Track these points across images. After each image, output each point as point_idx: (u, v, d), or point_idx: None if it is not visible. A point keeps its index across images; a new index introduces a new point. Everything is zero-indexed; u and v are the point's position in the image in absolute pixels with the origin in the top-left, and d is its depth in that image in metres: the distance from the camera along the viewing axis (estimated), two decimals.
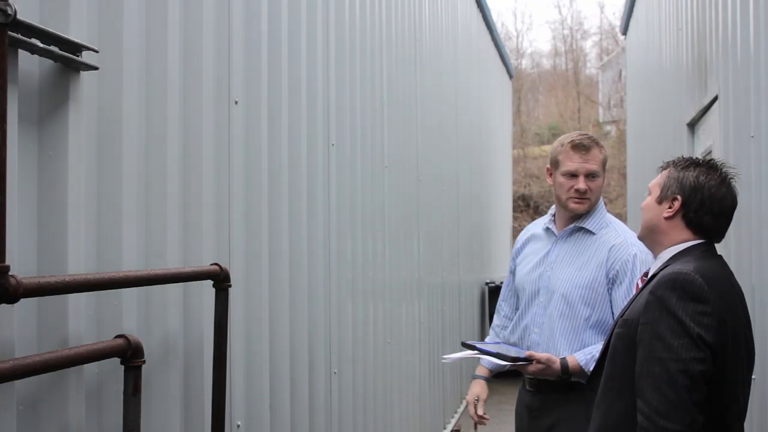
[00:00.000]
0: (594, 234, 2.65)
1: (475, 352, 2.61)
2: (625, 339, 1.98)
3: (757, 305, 3.54)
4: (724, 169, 2.04)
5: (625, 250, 2.58)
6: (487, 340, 2.99)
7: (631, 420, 1.90)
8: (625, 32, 11.83)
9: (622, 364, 1.97)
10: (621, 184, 19.78)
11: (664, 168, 2.13)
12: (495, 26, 10.14)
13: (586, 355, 2.51)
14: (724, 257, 2.10)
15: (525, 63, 30.65)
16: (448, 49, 6.67)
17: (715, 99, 4.52)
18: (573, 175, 2.64)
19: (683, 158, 2.12)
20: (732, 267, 3.57)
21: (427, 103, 5.55)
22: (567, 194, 2.66)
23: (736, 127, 3.93)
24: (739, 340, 1.92)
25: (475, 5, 8.51)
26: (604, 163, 2.69)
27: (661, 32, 7.42)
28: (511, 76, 13.35)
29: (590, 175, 2.64)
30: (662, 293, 1.87)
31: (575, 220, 2.69)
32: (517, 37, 33.51)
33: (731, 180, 2.04)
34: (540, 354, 2.51)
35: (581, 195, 2.63)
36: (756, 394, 3.55)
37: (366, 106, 3.92)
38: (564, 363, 2.50)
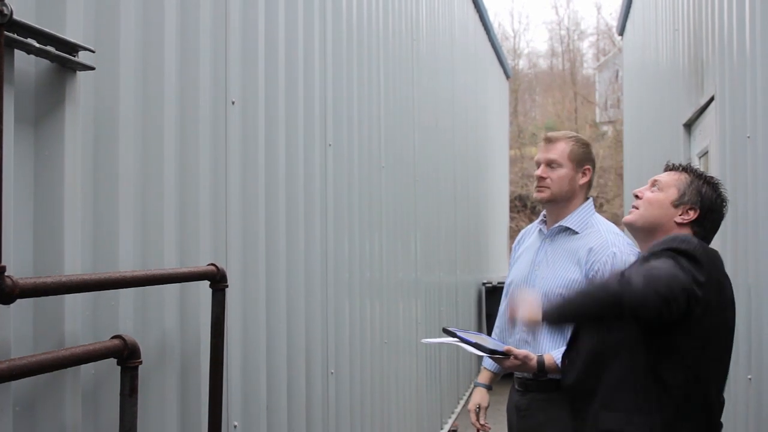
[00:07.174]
0: (577, 233, 2.68)
1: (455, 339, 2.57)
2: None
3: (754, 305, 3.54)
4: (724, 193, 2.21)
5: (604, 252, 2.59)
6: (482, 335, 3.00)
7: (631, 376, 2.02)
8: (621, 33, 11.85)
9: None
10: (618, 184, 19.81)
11: (675, 170, 2.23)
12: (492, 26, 10.16)
13: (561, 353, 2.50)
14: (722, 258, 2.14)
15: (522, 63, 30.70)
16: (445, 49, 6.67)
17: (712, 99, 4.53)
18: (538, 165, 2.76)
19: (693, 167, 2.23)
20: (728, 267, 3.57)
21: (424, 104, 5.56)
22: (534, 184, 2.79)
23: (733, 127, 3.94)
24: (724, 309, 2.02)
25: (472, 6, 8.51)
26: (572, 156, 2.71)
27: (657, 33, 7.43)
28: (508, 77, 13.36)
29: (550, 164, 2.71)
30: (660, 248, 1.99)
31: (560, 219, 2.72)
32: (514, 37, 33.50)
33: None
34: (518, 350, 2.51)
35: (541, 183, 2.72)
36: (753, 394, 3.56)
37: (363, 106, 3.92)
38: (540, 361, 2.51)
